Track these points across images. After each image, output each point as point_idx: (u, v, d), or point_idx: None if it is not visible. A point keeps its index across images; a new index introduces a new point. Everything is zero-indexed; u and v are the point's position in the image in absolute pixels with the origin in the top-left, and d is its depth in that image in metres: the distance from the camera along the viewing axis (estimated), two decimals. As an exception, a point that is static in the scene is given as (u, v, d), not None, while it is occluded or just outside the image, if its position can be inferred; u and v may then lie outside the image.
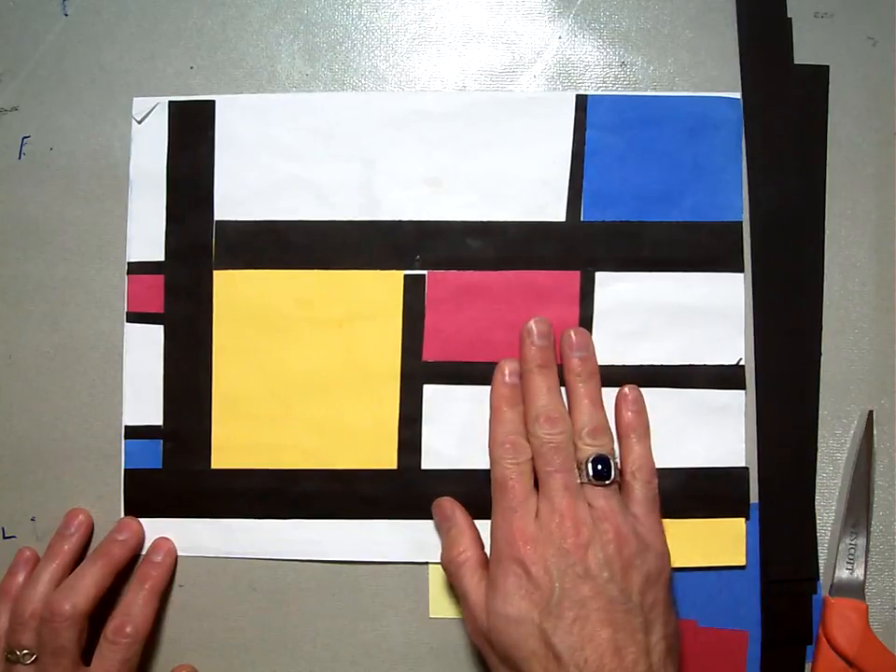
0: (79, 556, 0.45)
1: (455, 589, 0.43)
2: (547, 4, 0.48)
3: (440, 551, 0.44)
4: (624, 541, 0.39)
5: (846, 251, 0.47)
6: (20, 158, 0.47)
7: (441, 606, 0.46)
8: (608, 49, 0.47)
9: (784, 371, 0.46)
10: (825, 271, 0.46)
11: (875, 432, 0.46)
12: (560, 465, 0.41)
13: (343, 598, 0.46)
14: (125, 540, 0.45)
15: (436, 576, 0.46)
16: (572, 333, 0.44)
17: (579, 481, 0.41)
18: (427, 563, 0.46)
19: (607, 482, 0.41)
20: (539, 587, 0.39)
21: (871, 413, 0.46)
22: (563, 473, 0.41)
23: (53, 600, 0.42)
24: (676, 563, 0.44)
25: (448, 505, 0.44)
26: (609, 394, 0.45)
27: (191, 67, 0.48)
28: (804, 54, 0.47)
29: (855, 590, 0.45)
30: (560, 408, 0.43)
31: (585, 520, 0.40)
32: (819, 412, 0.46)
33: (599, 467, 0.41)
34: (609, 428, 0.43)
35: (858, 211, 0.47)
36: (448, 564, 0.43)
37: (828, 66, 0.47)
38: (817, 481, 0.46)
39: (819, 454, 0.46)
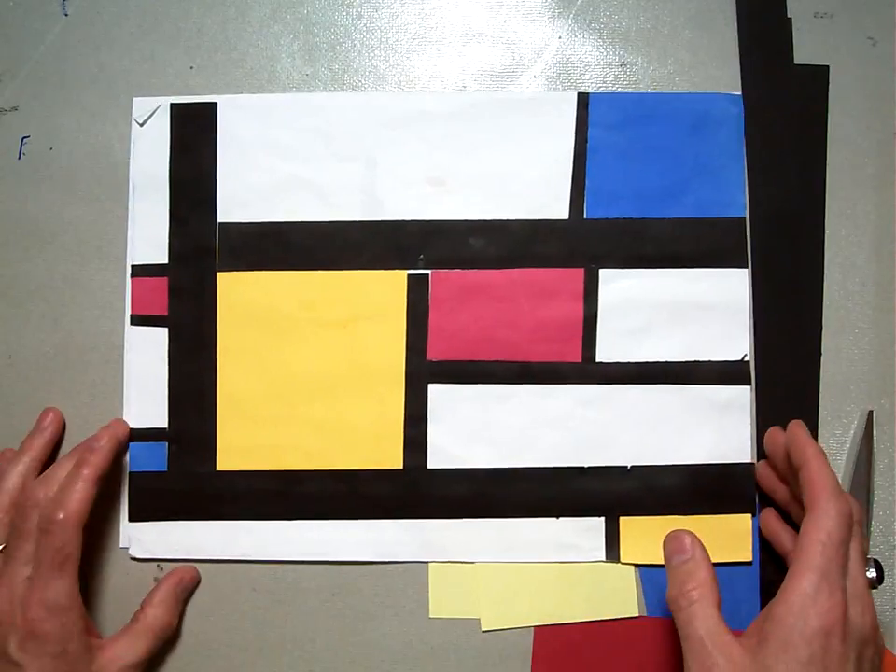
0: (51, 452, 0.45)
1: (678, 627, 0.38)
2: (547, 4, 0.48)
3: (444, 552, 0.45)
4: None
5: (846, 251, 0.47)
6: (20, 158, 0.47)
7: (441, 606, 0.46)
8: (608, 49, 0.47)
9: (785, 370, 0.46)
10: (825, 271, 0.47)
11: (874, 432, 0.46)
12: None
13: (342, 598, 0.46)
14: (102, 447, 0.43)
15: (436, 576, 0.46)
16: None
17: None
18: (428, 562, 0.46)
19: None
20: None
21: (871, 413, 0.46)
22: None
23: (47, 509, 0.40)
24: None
25: (688, 539, 0.40)
26: (614, 392, 0.46)
27: (191, 67, 0.47)
28: (804, 54, 0.47)
29: (855, 589, 0.45)
30: None
31: None
32: (819, 412, 0.46)
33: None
34: None
35: (858, 211, 0.47)
36: (678, 598, 0.38)
37: (828, 66, 0.47)
38: (817, 480, 0.46)
39: (819, 453, 0.46)
